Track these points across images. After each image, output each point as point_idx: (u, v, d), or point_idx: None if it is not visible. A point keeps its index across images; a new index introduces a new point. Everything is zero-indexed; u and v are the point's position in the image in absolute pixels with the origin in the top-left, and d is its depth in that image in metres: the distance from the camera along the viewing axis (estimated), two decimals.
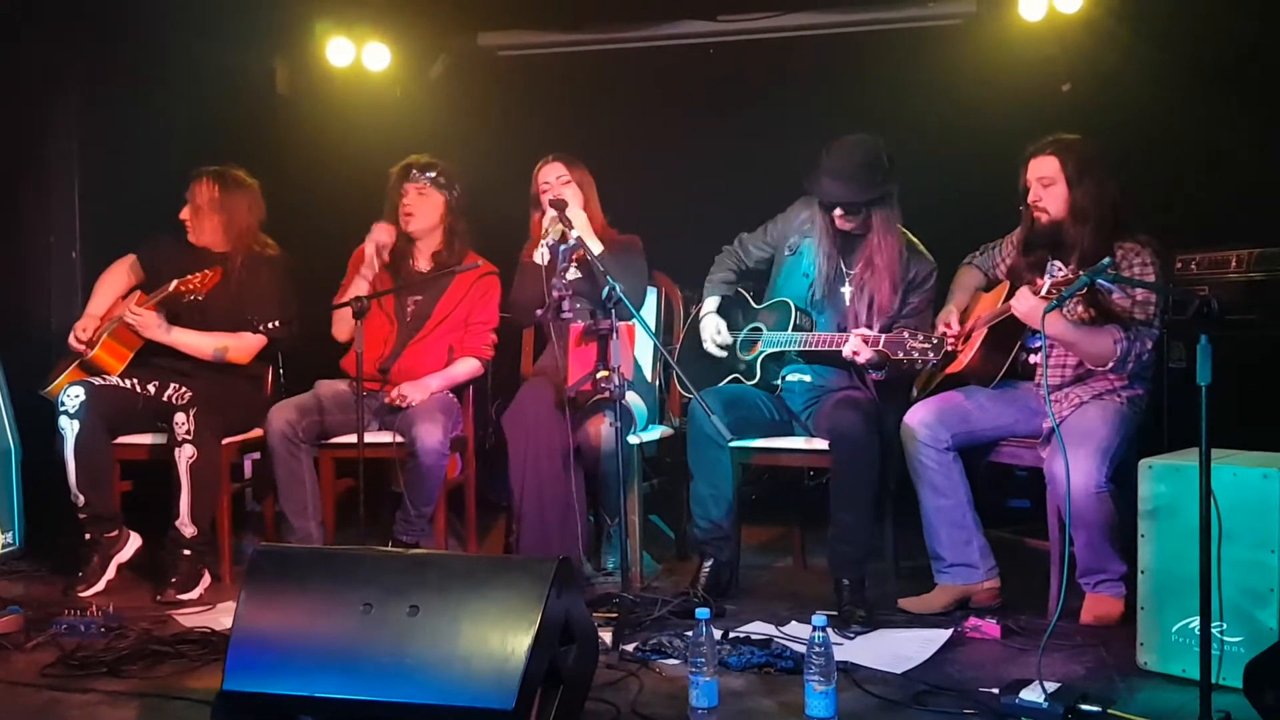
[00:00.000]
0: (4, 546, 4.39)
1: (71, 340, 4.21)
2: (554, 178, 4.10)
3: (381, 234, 4.17)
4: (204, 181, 4.27)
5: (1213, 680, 2.54)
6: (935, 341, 3.42)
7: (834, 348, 3.70)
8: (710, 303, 4.09)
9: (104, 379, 4.11)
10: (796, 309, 3.88)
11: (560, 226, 3.88)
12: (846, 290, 3.85)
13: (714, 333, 4.03)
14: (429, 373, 4.16)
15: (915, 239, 3.87)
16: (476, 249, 4.29)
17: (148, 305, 4.12)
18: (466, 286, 4.24)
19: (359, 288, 4.11)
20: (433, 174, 4.22)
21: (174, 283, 4.05)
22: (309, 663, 2.40)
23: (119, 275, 4.40)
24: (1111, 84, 4.82)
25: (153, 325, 4.12)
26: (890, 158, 3.73)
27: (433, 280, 4.24)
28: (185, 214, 4.28)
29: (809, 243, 3.91)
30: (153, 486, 4.16)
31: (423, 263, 4.29)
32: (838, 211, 3.76)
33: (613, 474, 3.58)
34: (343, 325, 4.18)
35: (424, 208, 4.22)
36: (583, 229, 3.95)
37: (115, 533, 4.07)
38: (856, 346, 3.58)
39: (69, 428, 3.95)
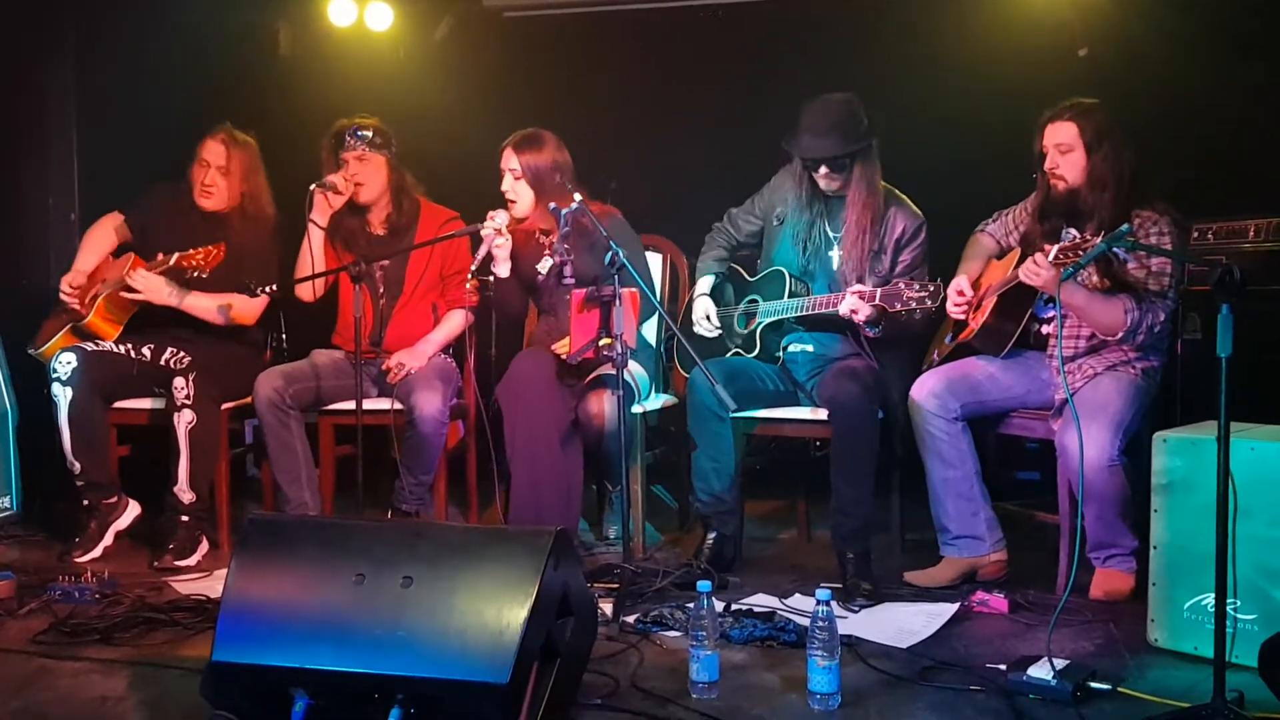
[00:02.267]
0: (1, 511, 4.36)
1: (65, 292, 4.10)
2: (508, 170, 3.93)
3: (337, 179, 4.04)
4: (219, 140, 4.15)
5: (1226, 658, 2.48)
6: (932, 289, 3.40)
7: (831, 309, 3.65)
8: (703, 283, 4.04)
9: (97, 344, 4.05)
10: (791, 277, 3.83)
11: (502, 239, 3.82)
12: (835, 254, 3.80)
13: (702, 316, 3.99)
14: (420, 334, 4.10)
15: (902, 195, 3.81)
16: (475, 212, 4.13)
17: (154, 272, 4.00)
18: (431, 239, 4.12)
19: (314, 237, 4.06)
20: (367, 134, 4.08)
21: (175, 256, 3.93)
22: (300, 634, 2.35)
23: (105, 233, 4.29)
24: (1129, 49, 4.72)
25: (162, 291, 4.01)
26: (867, 114, 3.70)
27: (393, 242, 4.15)
28: (197, 173, 4.15)
29: (795, 210, 3.85)
30: (150, 451, 4.13)
31: (378, 228, 4.21)
32: (822, 170, 3.72)
33: (616, 449, 3.52)
34: (306, 288, 4.12)
35: (369, 173, 4.10)
36: (527, 211, 3.92)
37: (114, 499, 4.03)
38: (854, 304, 3.53)
39: (62, 395, 3.89)
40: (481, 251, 3.82)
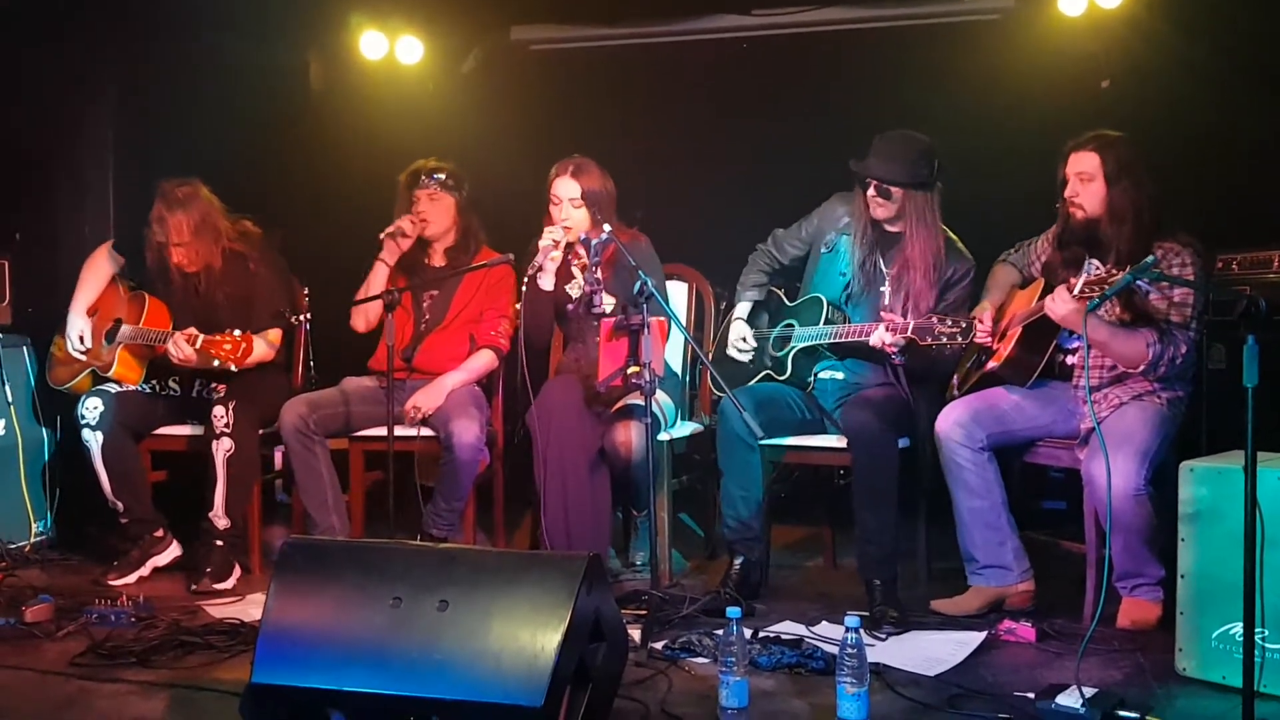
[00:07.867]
0: (35, 535, 4.42)
1: (76, 347, 4.15)
2: (566, 198, 3.99)
3: (405, 224, 4.17)
4: (156, 218, 4.04)
5: (1254, 688, 2.49)
6: (964, 326, 3.40)
7: (863, 338, 3.67)
8: (741, 308, 4.08)
9: (121, 386, 4.10)
10: (829, 305, 3.84)
11: (556, 253, 3.92)
12: (885, 289, 3.80)
13: (737, 339, 4.03)
14: (450, 360, 4.15)
15: (955, 237, 3.83)
16: (501, 242, 4.24)
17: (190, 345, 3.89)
18: (480, 279, 4.22)
19: (379, 273, 4.15)
20: (441, 176, 4.22)
21: (202, 340, 3.82)
22: (338, 656, 2.39)
23: (103, 264, 4.31)
24: (1151, 81, 4.76)
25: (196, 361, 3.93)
26: (940, 161, 3.73)
27: (448, 277, 4.22)
28: (168, 253, 4.05)
29: (846, 239, 3.87)
30: (186, 476, 4.19)
31: (437, 260, 4.29)
32: (870, 192, 3.73)
33: (643, 477, 3.56)
34: (360, 317, 4.23)
35: (437, 212, 4.22)
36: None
37: (160, 533, 4.11)
38: (884, 336, 3.56)
39: (93, 439, 3.97)
40: (539, 259, 3.91)
